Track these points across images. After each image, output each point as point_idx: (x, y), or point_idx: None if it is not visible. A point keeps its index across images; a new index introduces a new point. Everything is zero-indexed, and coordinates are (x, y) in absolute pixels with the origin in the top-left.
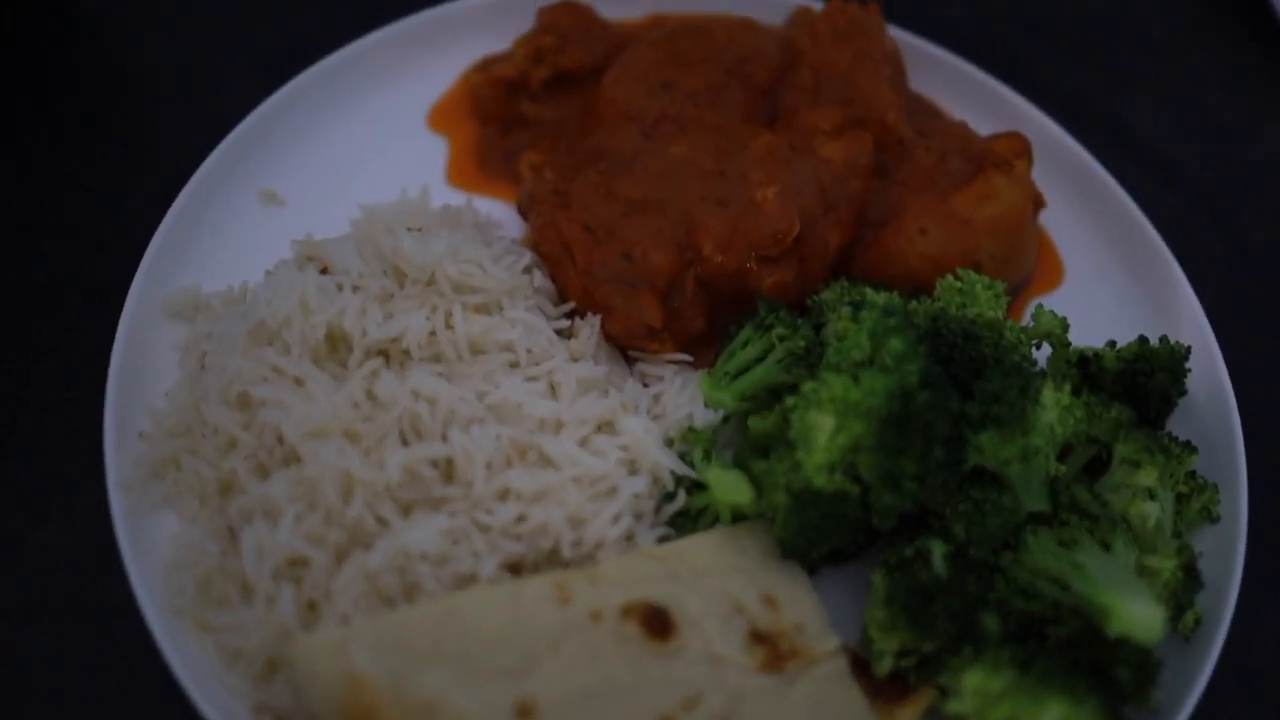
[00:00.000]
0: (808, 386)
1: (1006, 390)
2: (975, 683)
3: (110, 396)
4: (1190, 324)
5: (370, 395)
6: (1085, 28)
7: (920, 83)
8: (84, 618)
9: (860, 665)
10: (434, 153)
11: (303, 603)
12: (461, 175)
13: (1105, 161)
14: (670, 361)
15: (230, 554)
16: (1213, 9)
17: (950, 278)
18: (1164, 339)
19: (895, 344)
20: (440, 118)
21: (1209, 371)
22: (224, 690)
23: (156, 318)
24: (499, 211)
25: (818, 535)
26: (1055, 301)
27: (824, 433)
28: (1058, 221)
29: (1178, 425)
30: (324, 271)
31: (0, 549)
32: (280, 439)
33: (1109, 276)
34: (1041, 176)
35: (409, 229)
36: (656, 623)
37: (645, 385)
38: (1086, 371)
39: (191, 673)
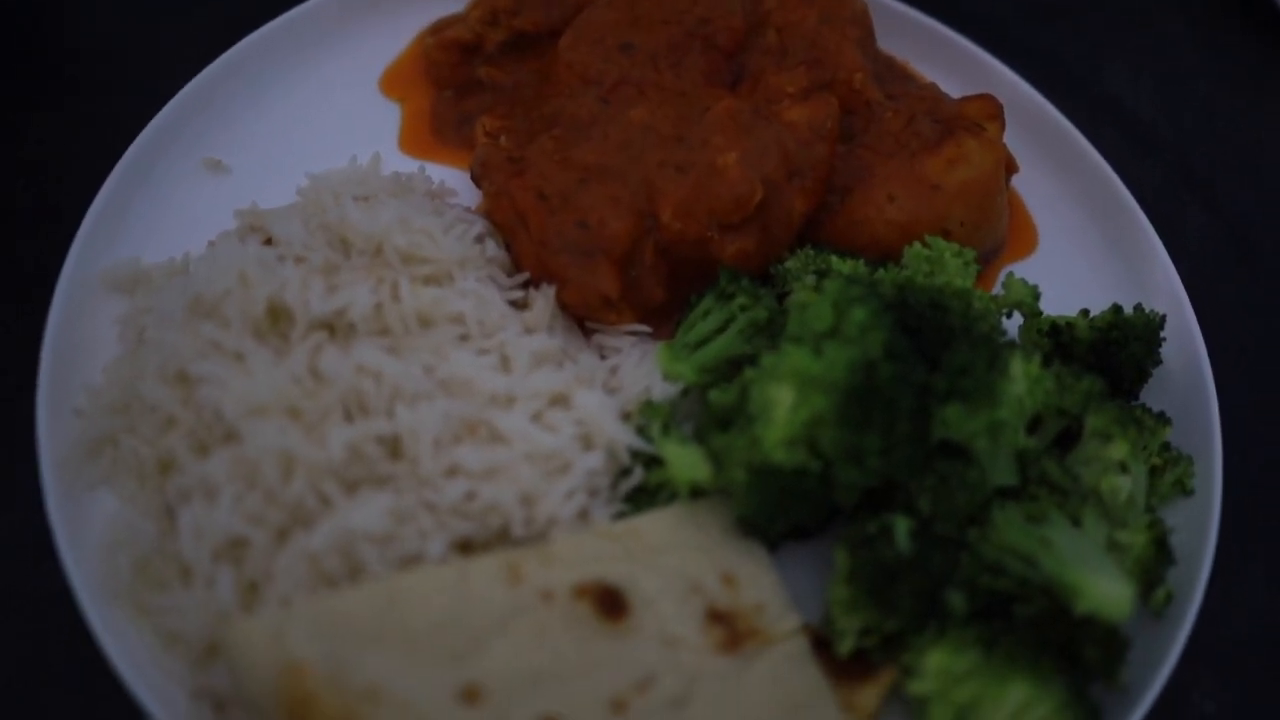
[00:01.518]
0: (767, 359)
1: (974, 362)
2: (938, 663)
3: (44, 372)
4: (1166, 293)
5: (313, 371)
6: None
7: (891, 44)
8: (18, 607)
9: (822, 645)
10: (387, 119)
11: (243, 584)
12: (415, 142)
13: (1083, 128)
14: (629, 333)
15: (169, 535)
16: None
17: (918, 245)
18: (1138, 307)
19: (859, 314)
20: (393, 82)
21: (1184, 341)
22: (162, 675)
23: (95, 291)
24: (453, 179)
25: (777, 512)
26: (1028, 268)
27: (783, 407)
28: (1032, 187)
29: (1152, 396)
30: (268, 243)
31: None
32: (220, 417)
33: (1084, 243)
34: (1014, 140)
35: (356, 198)
36: (609, 603)
37: (602, 357)
38: (1059, 341)
39: (128, 658)
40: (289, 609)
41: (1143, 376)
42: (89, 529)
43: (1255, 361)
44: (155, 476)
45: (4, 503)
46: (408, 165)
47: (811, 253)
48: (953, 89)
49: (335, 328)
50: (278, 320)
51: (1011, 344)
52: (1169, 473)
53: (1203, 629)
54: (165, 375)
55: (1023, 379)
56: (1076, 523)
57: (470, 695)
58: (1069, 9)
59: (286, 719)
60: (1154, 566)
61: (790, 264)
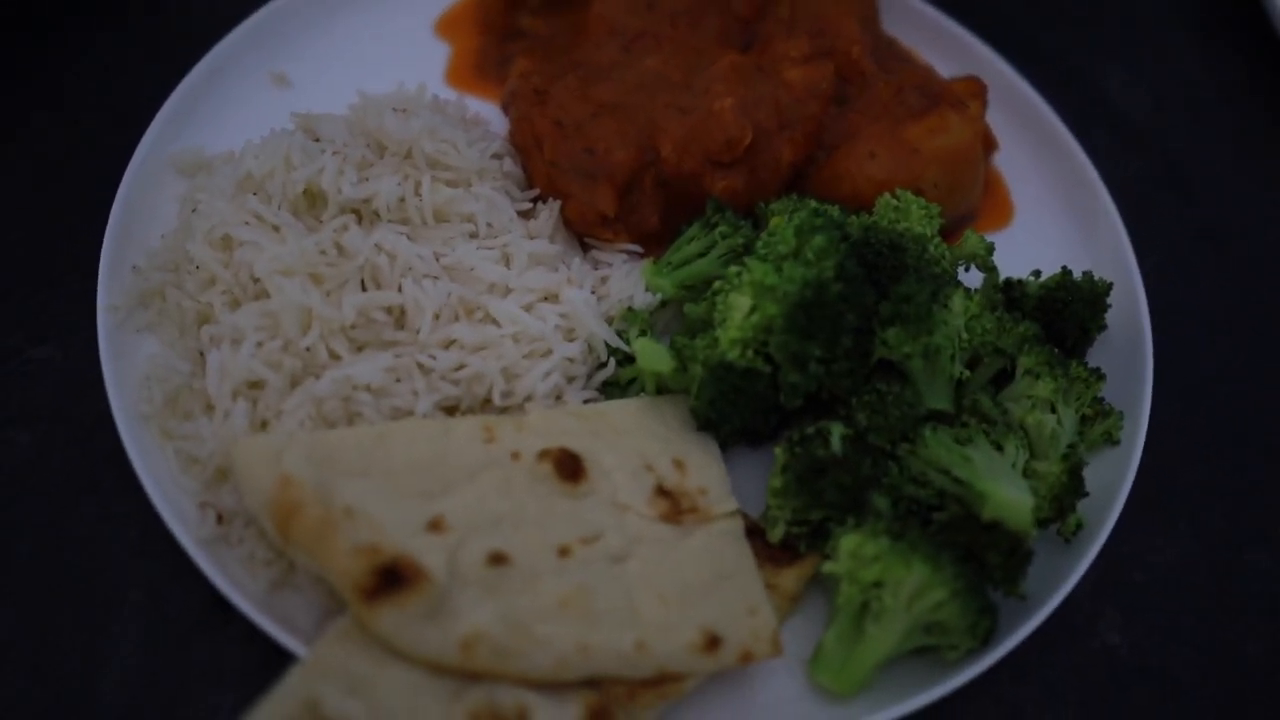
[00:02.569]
0: (732, 270)
1: (917, 293)
2: (850, 546)
3: (109, 232)
4: (1120, 266)
5: (338, 245)
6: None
7: (901, 31)
8: (68, 424)
9: (756, 533)
10: (437, 56)
11: (255, 421)
12: (459, 77)
13: (1074, 122)
14: (622, 251)
15: (198, 375)
16: None
17: (888, 196)
18: (1087, 274)
19: (818, 241)
20: (447, 26)
21: (1131, 311)
22: (178, 490)
23: (164, 171)
24: (488, 112)
25: (729, 407)
26: (1003, 238)
27: (740, 311)
28: (1013, 167)
29: (1097, 356)
30: (315, 141)
31: (2, 362)
32: (254, 277)
33: (1054, 220)
34: (1001, 123)
35: (395, 110)
36: (569, 467)
37: (595, 269)
38: (1010, 296)
39: (151, 474)
40: (290, 436)
41: (1086, 337)
42: (132, 365)
43: (1201, 342)
44: (193, 326)
45: (66, 340)
46: (452, 96)
47: (795, 198)
48: (948, 72)
49: (362, 213)
50: (313, 201)
51: (956, 283)
52: (1099, 423)
53: (1115, 571)
54: (212, 239)
55: (962, 314)
56: (999, 449)
57: (434, 525)
58: (1076, 14)
59: (274, 524)
60: (1067, 495)
61: (774, 206)
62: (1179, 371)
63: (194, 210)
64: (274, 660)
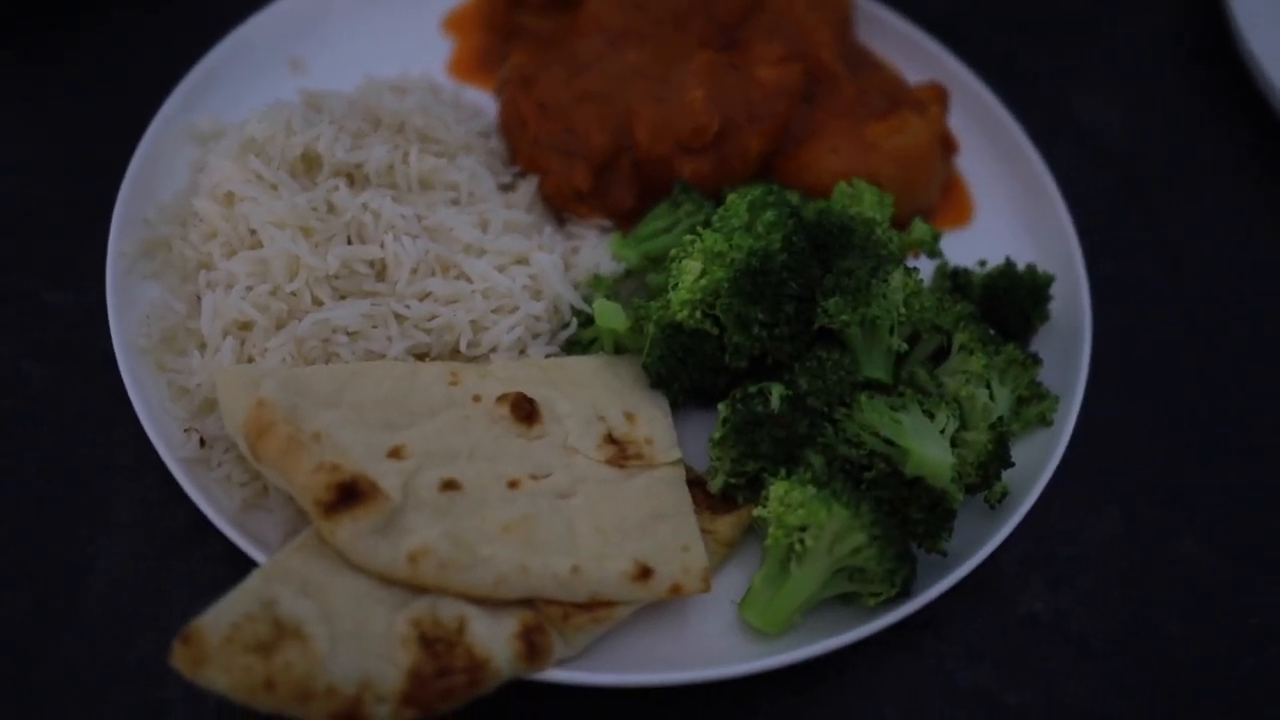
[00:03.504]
0: (686, 238)
1: (859, 268)
2: (779, 492)
3: (125, 187)
4: (1066, 260)
5: (329, 203)
6: (1048, 21)
7: (875, 41)
8: (76, 360)
9: (698, 484)
10: (442, 50)
11: (243, 357)
12: (461, 69)
13: (1039, 136)
14: (595, 226)
15: (194, 316)
16: (1178, 15)
17: (844, 184)
18: (1030, 265)
19: (769, 216)
20: (454, 23)
21: (1073, 304)
22: (167, 417)
23: (180, 138)
24: (484, 102)
25: (678, 365)
26: (962, 236)
27: (691, 275)
28: (975, 170)
29: (1042, 349)
30: (318, 112)
31: (19, 304)
32: (251, 230)
33: (1010, 223)
34: (966, 131)
35: (393, 89)
36: (525, 410)
37: (568, 240)
38: (956, 284)
39: (144, 401)
40: (269, 369)
41: (1028, 326)
42: (135, 307)
43: (1144, 344)
44: (194, 273)
45: (79, 285)
46: (452, 86)
47: (761, 186)
48: (916, 80)
49: (354, 177)
50: (310, 165)
51: (899, 262)
52: (1035, 406)
53: (1044, 545)
54: (215, 195)
55: (901, 289)
56: (931, 417)
57: (394, 453)
58: (1052, 34)
59: (248, 441)
60: (992, 462)
61: (739, 190)
62: (1120, 367)
63: (201, 170)
64: (246, 574)
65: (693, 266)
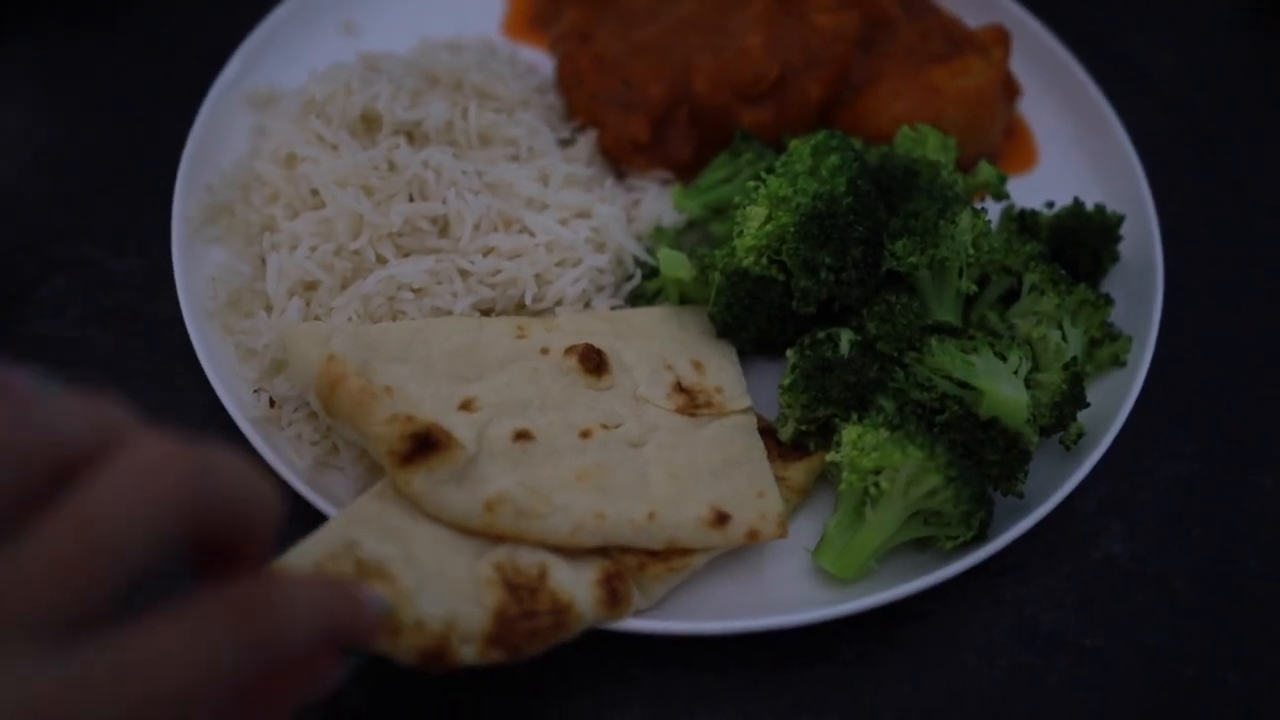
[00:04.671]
0: (750, 184)
1: (926, 209)
2: (852, 436)
3: (187, 155)
4: (1135, 200)
5: (389, 161)
6: None
7: None
8: (144, 323)
9: (769, 433)
10: (496, 9)
11: (309, 316)
12: (515, 28)
13: (1102, 79)
14: (656, 178)
15: (259, 278)
16: None
17: (906, 128)
18: (1099, 205)
19: (833, 160)
20: None
21: (1143, 243)
22: (236, 378)
23: (239, 106)
24: (539, 60)
25: (744, 313)
26: (1026, 181)
27: (756, 221)
28: (1038, 114)
29: (1113, 289)
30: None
31: (86, 271)
32: (313, 191)
33: (1075, 166)
34: (1028, 74)
35: (449, 48)
36: (593, 361)
37: (629, 193)
38: (1024, 224)
39: (213, 363)
40: (338, 326)
41: (1098, 267)
42: (200, 271)
43: (1218, 277)
44: (258, 236)
45: (144, 252)
46: (506, 43)
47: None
48: (975, 24)
49: (414, 135)
50: (370, 124)
51: (966, 202)
52: (1107, 346)
53: (1121, 487)
54: (277, 157)
55: (969, 231)
56: (1003, 359)
57: (465, 405)
58: None
59: (320, 396)
60: (1067, 403)
61: (799, 138)
62: (1191, 306)
63: (262, 133)
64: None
65: (757, 213)
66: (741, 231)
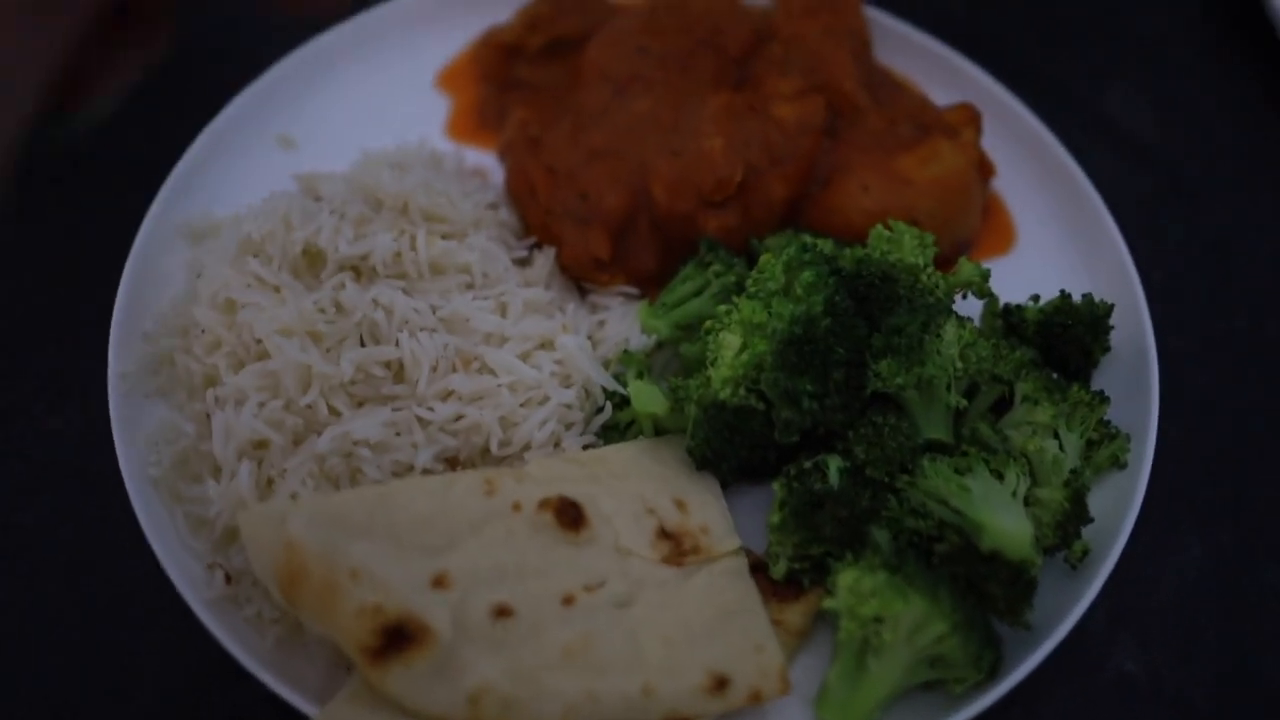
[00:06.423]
0: (722, 309)
1: (909, 324)
2: (848, 581)
3: (120, 300)
4: (1122, 286)
5: (336, 303)
6: (1072, 19)
7: (895, 60)
8: (82, 488)
9: (760, 569)
10: (438, 110)
11: (261, 480)
12: (460, 129)
13: (1074, 140)
14: (619, 294)
15: (205, 438)
16: (1203, 6)
17: (881, 227)
18: (1087, 296)
19: (807, 276)
20: (448, 79)
21: (1135, 331)
22: (186, 552)
23: (173, 238)
24: (489, 163)
25: (725, 446)
26: (1005, 264)
27: (731, 350)
28: (1014, 192)
29: (1103, 382)
30: (316, 200)
31: (19, 429)
32: (256, 338)
33: (1058, 243)
34: (999, 148)
35: (392, 166)
36: (569, 515)
37: (592, 313)
38: (1009, 322)
39: (160, 536)
40: (294, 501)
41: (1089, 360)
42: (141, 430)
43: (1211, 355)
44: (200, 389)
45: (79, 407)
46: (452, 149)
47: (790, 234)
48: (944, 100)
49: (360, 270)
50: (313, 260)
51: (949, 311)
52: (1105, 447)
53: (1128, 596)
54: (216, 303)
55: (956, 343)
56: (1000, 477)
57: (438, 582)
58: (1072, 33)
59: (281, 590)
60: (1070, 521)
61: (768, 240)
62: (1185, 387)
63: (198, 276)
64: (287, 717)
65: (732, 340)
66: (716, 361)
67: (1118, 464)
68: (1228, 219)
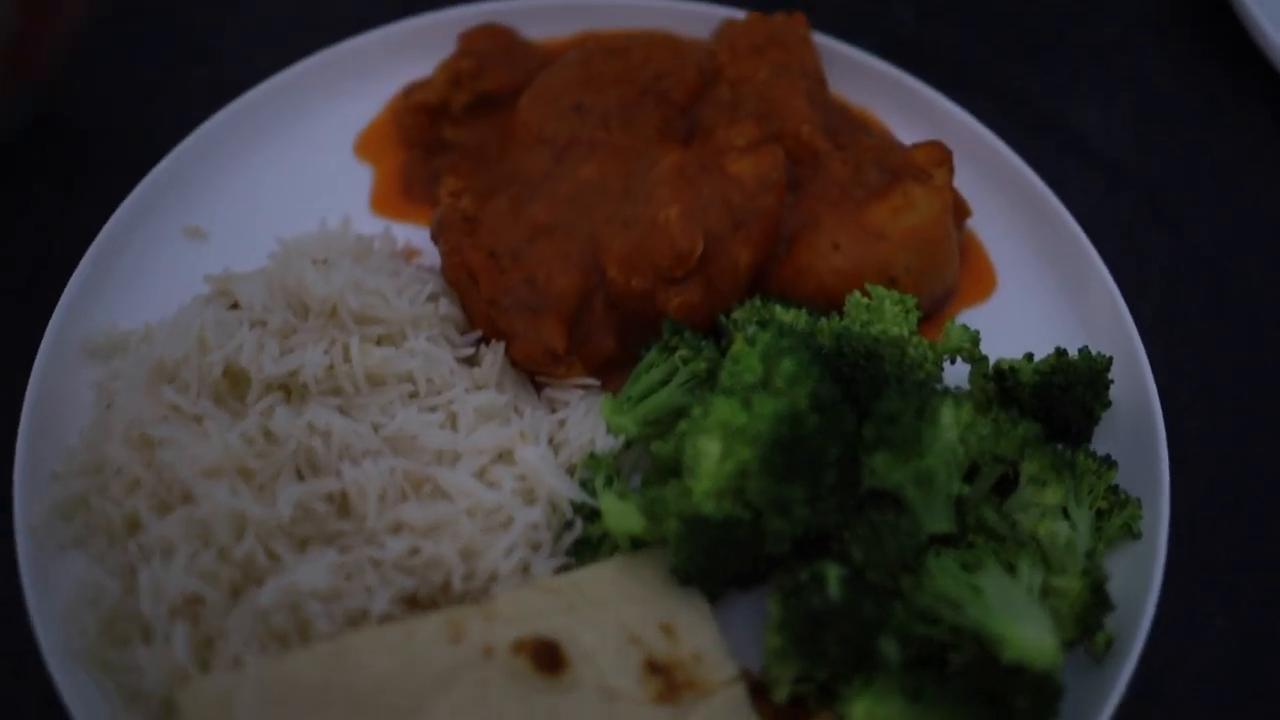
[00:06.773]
0: (697, 411)
1: (902, 411)
2: (863, 711)
3: (22, 439)
4: (1118, 334)
5: (265, 432)
6: (1034, 30)
7: (851, 91)
8: None
9: (760, 691)
10: (361, 181)
11: (199, 641)
12: (385, 203)
13: (1050, 164)
14: (578, 386)
15: (132, 593)
16: (1167, 6)
17: (858, 294)
18: (1083, 350)
19: (787, 366)
20: (367, 145)
21: (1136, 383)
22: None
23: (76, 357)
24: (420, 237)
25: (711, 562)
26: (987, 311)
27: (711, 459)
28: (990, 229)
29: (1104, 435)
30: (234, 307)
31: None
32: (177, 478)
33: (1042, 284)
34: (971, 184)
35: (316, 261)
36: (547, 658)
37: (553, 411)
38: (1003, 385)
39: (90, 716)
40: (239, 672)
41: (1090, 420)
42: (58, 590)
43: (1215, 395)
44: (122, 536)
45: None
46: (380, 226)
47: (758, 303)
48: (909, 132)
49: (290, 389)
50: (236, 383)
51: (944, 391)
52: (1116, 516)
53: (1154, 683)
54: (130, 439)
55: (954, 426)
56: (1012, 569)
57: None
58: (1038, 46)
59: None
60: (1091, 612)
61: (736, 314)
62: (1195, 433)
63: (108, 406)
64: None
65: (711, 448)
66: (695, 470)
67: (1131, 534)
68: (1212, 235)
